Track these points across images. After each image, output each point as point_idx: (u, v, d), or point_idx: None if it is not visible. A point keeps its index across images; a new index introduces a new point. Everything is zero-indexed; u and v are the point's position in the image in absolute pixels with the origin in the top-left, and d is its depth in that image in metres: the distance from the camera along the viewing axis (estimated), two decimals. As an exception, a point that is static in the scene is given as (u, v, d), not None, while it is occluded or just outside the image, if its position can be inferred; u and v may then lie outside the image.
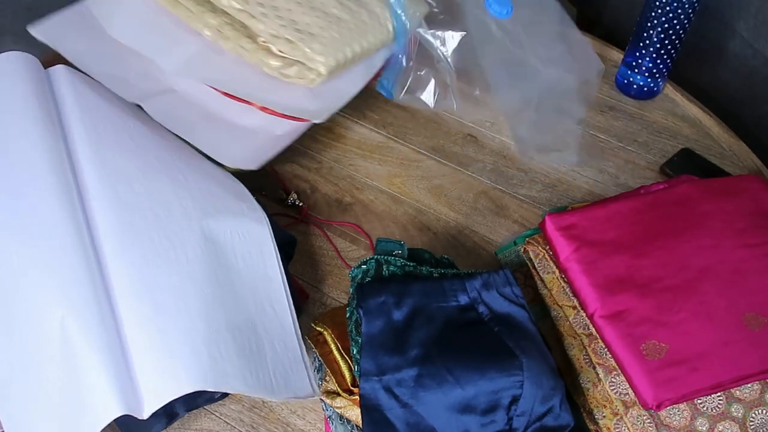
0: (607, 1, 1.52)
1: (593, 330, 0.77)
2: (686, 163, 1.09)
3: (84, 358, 0.67)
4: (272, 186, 1.02)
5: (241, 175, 0.92)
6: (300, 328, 0.80)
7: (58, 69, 0.90)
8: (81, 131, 0.82)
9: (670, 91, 1.19)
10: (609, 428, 0.75)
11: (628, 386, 0.74)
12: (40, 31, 1.00)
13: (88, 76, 0.93)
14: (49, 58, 1.11)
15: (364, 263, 0.79)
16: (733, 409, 0.72)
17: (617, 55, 1.23)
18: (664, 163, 1.09)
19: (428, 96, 1.10)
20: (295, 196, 1.00)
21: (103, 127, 0.84)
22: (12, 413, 0.69)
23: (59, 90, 0.87)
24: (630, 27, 1.16)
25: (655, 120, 1.16)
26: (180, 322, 0.71)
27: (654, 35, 1.08)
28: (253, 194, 0.87)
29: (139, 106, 0.93)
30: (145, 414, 0.67)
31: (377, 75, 1.09)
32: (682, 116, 1.17)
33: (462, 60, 1.08)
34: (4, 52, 0.88)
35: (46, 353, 0.68)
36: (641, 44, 1.11)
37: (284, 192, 1.01)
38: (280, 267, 0.82)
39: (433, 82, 1.10)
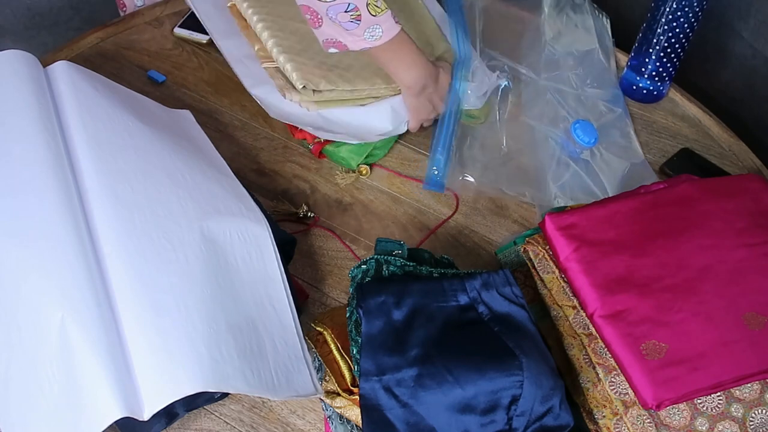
0: (607, 1, 1.52)
1: (593, 330, 0.76)
2: (686, 163, 1.09)
3: (84, 359, 0.67)
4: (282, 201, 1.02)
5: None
6: (300, 328, 0.80)
7: (58, 67, 0.89)
8: (80, 130, 0.82)
9: (670, 91, 1.19)
10: (609, 428, 0.75)
11: (627, 386, 0.74)
12: None
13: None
14: (49, 57, 1.11)
15: (364, 263, 0.79)
16: (732, 409, 0.72)
17: (617, 56, 1.23)
18: (664, 162, 1.09)
19: (474, 172, 1.06)
20: (306, 208, 1.00)
21: (103, 126, 0.83)
22: (11, 415, 0.69)
23: (58, 88, 0.87)
24: (629, 27, 1.16)
25: (655, 120, 1.16)
26: (180, 323, 0.70)
27: (662, 40, 1.09)
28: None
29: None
30: (145, 416, 0.67)
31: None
32: (682, 116, 1.17)
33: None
34: (3, 51, 0.88)
35: (46, 354, 0.68)
36: (648, 49, 1.11)
37: (294, 206, 1.01)
38: (279, 267, 0.82)
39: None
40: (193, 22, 1.20)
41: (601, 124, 1.11)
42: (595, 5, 1.20)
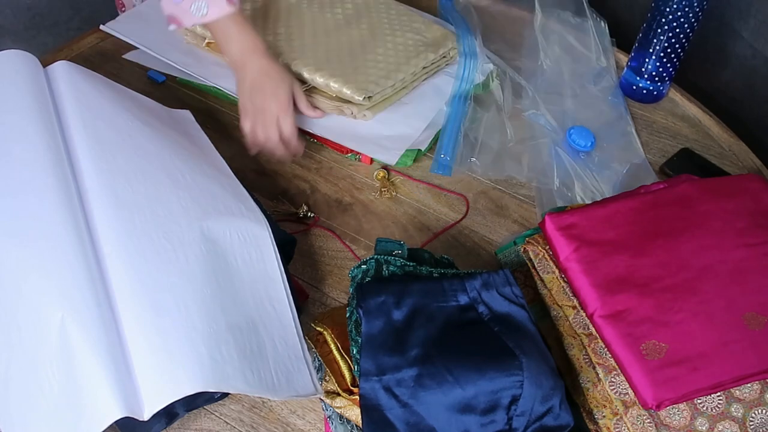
0: (606, 1, 1.52)
1: (593, 330, 0.76)
2: (686, 163, 1.09)
3: (84, 359, 0.67)
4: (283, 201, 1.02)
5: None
6: (300, 328, 0.80)
7: (58, 66, 0.89)
8: (80, 130, 0.82)
9: (670, 91, 1.19)
10: (609, 428, 0.75)
11: (627, 386, 0.74)
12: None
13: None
14: (49, 57, 1.11)
15: (364, 263, 0.79)
16: (732, 409, 0.72)
17: (616, 56, 1.23)
18: (664, 162, 1.09)
19: (481, 156, 1.07)
20: (306, 208, 1.00)
21: (103, 125, 0.83)
22: (11, 415, 0.69)
23: (58, 88, 0.87)
24: (629, 27, 1.16)
25: (655, 120, 1.16)
26: (180, 323, 0.70)
27: (662, 41, 1.09)
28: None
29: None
30: (145, 416, 0.67)
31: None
32: (682, 116, 1.17)
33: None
34: (3, 50, 0.88)
35: (46, 354, 0.68)
36: (648, 49, 1.11)
37: (294, 206, 1.01)
38: (279, 267, 0.82)
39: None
40: None
41: (600, 125, 1.11)
42: (593, 9, 1.20)
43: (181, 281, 0.73)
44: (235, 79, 1.01)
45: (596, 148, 1.08)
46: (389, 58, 1.10)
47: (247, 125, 0.99)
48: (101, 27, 1.13)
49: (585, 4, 1.18)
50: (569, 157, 1.06)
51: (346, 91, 1.05)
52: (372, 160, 1.07)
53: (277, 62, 1.01)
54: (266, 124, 0.97)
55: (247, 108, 0.99)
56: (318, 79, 1.06)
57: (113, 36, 1.20)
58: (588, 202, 0.99)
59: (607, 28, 1.19)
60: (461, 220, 1.02)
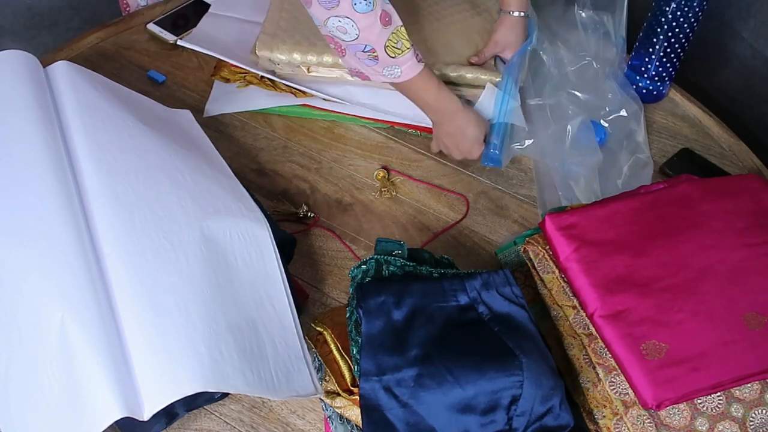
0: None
1: (593, 330, 0.76)
2: (686, 163, 1.09)
3: (84, 359, 0.67)
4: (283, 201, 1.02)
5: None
6: (300, 328, 0.80)
7: (58, 67, 0.89)
8: (80, 130, 0.82)
9: (670, 91, 1.19)
10: (609, 428, 0.75)
11: (627, 386, 0.74)
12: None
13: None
14: (49, 57, 1.11)
15: (364, 263, 0.79)
16: (732, 409, 0.72)
17: (617, 55, 1.23)
18: (664, 163, 1.09)
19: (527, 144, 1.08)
20: (306, 208, 1.00)
21: (103, 125, 0.83)
22: (11, 415, 0.69)
23: (58, 88, 0.87)
24: (629, 27, 1.16)
25: (655, 120, 1.16)
26: (180, 323, 0.70)
27: (662, 41, 1.09)
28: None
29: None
30: (145, 416, 0.67)
31: None
32: (682, 116, 1.17)
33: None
34: (3, 50, 0.88)
35: (46, 354, 0.68)
36: (648, 49, 1.11)
37: (294, 206, 1.01)
38: (279, 266, 0.82)
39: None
40: (168, 22, 1.22)
41: (614, 120, 1.11)
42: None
43: (181, 281, 0.73)
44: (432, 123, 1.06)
45: (607, 144, 1.09)
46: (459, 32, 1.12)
47: (436, 149, 1.09)
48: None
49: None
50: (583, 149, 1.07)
51: (482, 77, 1.07)
52: None
53: (469, 113, 1.04)
54: (454, 154, 1.07)
55: (439, 144, 1.07)
56: (451, 74, 1.07)
57: (113, 36, 1.21)
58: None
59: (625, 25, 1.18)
60: (461, 220, 1.02)
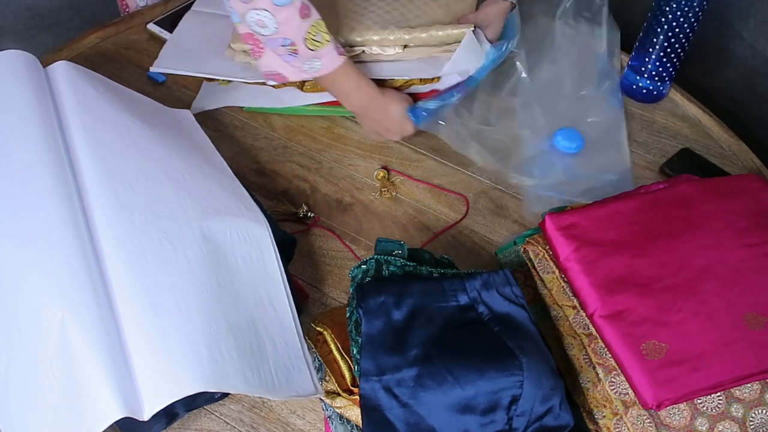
0: (611, 3, 1.52)
1: (593, 330, 0.76)
2: (686, 163, 1.09)
3: (84, 359, 0.67)
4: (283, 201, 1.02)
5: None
6: (300, 328, 0.80)
7: (58, 67, 0.89)
8: (80, 130, 0.82)
9: (670, 91, 1.19)
10: (609, 428, 0.75)
11: (627, 386, 0.74)
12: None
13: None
14: (48, 57, 1.11)
15: (364, 263, 0.79)
16: (732, 409, 0.72)
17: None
18: (664, 163, 1.09)
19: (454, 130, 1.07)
20: (306, 208, 1.00)
21: (103, 125, 0.83)
22: (11, 415, 0.69)
23: (58, 88, 0.87)
24: (629, 27, 1.16)
25: (655, 120, 1.16)
26: (180, 323, 0.70)
27: (662, 40, 1.09)
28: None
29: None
30: (145, 416, 0.67)
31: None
32: (682, 116, 1.17)
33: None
34: (3, 50, 0.88)
35: (46, 354, 0.68)
36: (648, 49, 1.11)
37: (294, 206, 1.01)
38: (280, 266, 0.82)
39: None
40: (168, 22, 1.22)
41: (592, 129, 1.10)
42: (611, 15, 1.19)
43: (181, 281, 0.73)
44: (356, 114, 1.07)
45: (583, 151, 1.08)
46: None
47: (374, 135, 1.09)
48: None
49: (605, 10, 1.18)
50: (551, 157, 1.06)
51: (454, 31, 1.04)
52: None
53: (388, 95, 1.03)
54: (389, 137, 1.08)
55: (372, 135, 1.09)
56: (421, 35, 1.05)
57: (113, 36, 1.21)
58: (557, 203, 0.99)
59: (619, 36, 1.19)
60: (461, 220, 1.02)
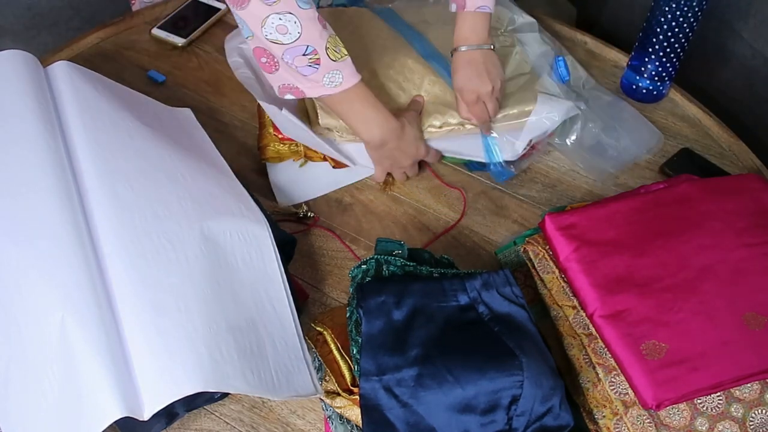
0: (607, 1, 1.52)
1: (593, 330, 0.76)
2: (686, 163, 1.09)
3: (84, 359, 0.67)
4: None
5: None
6: (300, 328, 0.80)
7: (58, 67, 0.89)
8: (80, 130, 0.82)
9: (670, 91, 1.19)
10: (609, 428, 0.75)
11: (627, 386, 0.74)
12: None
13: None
14: (48, 57, 1.11)
15: (364, 263, 0.79)
16: (732, 409, 0.72)
17: (616, 56, 1.23)
18: (664, 162, 1.09)
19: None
20: (306, 208, 1.00)
21: (103, 126, 0.83)
22: (11, 415, 0.69)
23: (58, 88, 0.87)
24: (629, 27, 1.16)
25: (655, 120, 1.15)
26: (180, 323, 0.70)
27: (662, 40, 1.09)
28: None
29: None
30: (145, 416, 0.67)
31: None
32: (682, 116, 1.17)
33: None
34: (3, 50, 0.88)
35: (46, 354, 0.68)
36: (648, 49, 1.11)
37: (294, 206, 1.01)
38: (279, 267, 0.82)
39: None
40: (170, 24, 1.22)
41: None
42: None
43: (181, 281, 0.73)
44: (371, 145, 0.99)
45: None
46: None
47: (381, 176, 1.04)
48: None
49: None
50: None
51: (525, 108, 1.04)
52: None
53: (403, 117, 0.99)
54: (398, 173, 1.04)
55: (384, 165, 1.03)
56: (451, 120, 1.04)
57: (113, 36, 1.21)
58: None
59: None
60: (461, 219, 1.02)
